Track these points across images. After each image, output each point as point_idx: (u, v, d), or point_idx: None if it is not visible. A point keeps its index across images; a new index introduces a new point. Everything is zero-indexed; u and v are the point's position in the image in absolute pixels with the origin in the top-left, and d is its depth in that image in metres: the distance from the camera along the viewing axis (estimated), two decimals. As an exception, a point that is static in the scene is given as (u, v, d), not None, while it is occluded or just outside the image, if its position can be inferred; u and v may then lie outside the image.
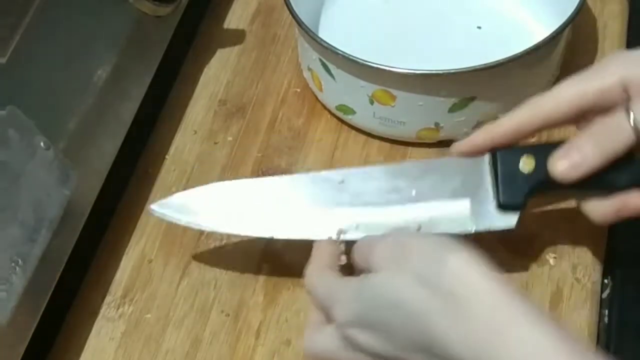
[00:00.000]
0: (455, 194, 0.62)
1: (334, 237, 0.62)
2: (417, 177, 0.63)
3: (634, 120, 0.56)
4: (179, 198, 0.67)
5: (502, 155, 0.61)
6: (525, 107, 0.60)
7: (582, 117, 0.59)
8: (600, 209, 0.61)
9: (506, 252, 0.67)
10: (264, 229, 0.64)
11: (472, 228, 0.61)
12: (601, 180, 0.59)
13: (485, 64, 0.68)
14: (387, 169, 0.64)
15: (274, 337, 0.66)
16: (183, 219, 0.66)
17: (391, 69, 0.69)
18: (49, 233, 0.61)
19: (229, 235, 0.71)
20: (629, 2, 0.82)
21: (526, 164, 0.60)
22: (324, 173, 0.65)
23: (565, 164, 0.59)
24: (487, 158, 0.62)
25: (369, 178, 0.63)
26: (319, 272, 0.59)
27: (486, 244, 0.67)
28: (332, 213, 0.63)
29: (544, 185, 0.60)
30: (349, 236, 0.62)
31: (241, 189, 0.66)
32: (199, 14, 0.85)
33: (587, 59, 0.78)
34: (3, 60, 0.59)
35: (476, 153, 0.62)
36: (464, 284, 0.50)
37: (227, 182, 0.67)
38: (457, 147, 0.63)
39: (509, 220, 0.61)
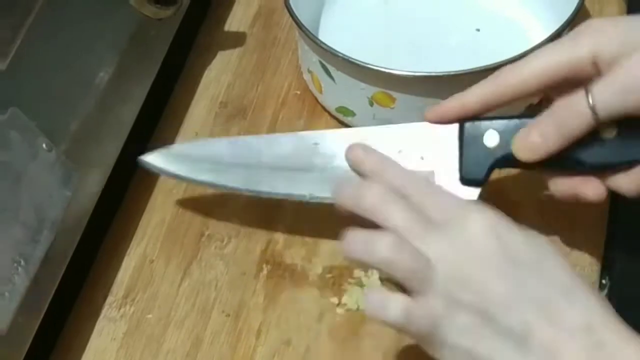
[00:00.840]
0: (422, 162, 0.63)
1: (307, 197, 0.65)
2: (388, 142, 0.63)
3: (592, 102, 0.57)
4: (165, 151, 0.69)
5: (469, 128, 0.62)
6: (494, 77, 0.61)
7: (556, 88, 0.59)
8: (560, 187, 0.62)
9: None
10: (240, 182, 0.67)
11: None
12: (565, 159, 0.59)
13: (484, 66, 0.68)
14: (359, 131, 0.65)
15: (274, 337, 0.66)
16: (168, 169, 0.68)
17: (391, 71, 0.69)
18: (51, 234, 0.61)
19: (229, 236, 0.71)
20: (627, 4, 0.82)
21: (490, 139, 0.61)
22: (301, 134, 0.68)
23: (527, 146, 0.60)
24: (455, 129, 0.62)
25: (342, 140, 0.63)
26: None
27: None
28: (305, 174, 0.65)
29: (507, 161, 0.61)
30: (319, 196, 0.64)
31: (220, 145, 0.69)
32: (199, 17, 0.85)
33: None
34: (5, 62, 0.59)
35: (446, 121, 0.62)
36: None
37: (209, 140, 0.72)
38: (427, 114, 0.63)
39: (470, 194, 0.62)
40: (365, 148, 0.61)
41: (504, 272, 0.53)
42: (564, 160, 0.60)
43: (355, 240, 0.56)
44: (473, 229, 0.54)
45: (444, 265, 0.54)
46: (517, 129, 0.61)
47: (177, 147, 0.72)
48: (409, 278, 0.54)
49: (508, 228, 0.55)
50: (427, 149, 0.63)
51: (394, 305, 0.55)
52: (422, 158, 0.63)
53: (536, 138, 0.59)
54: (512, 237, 0.55)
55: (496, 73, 0.61)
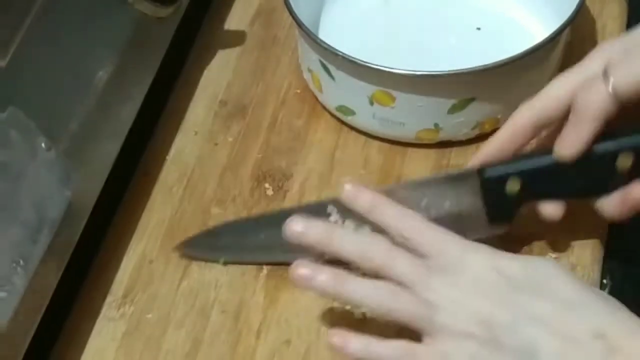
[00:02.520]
0: (451, 209, 0.64)
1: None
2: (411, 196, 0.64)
3: (612, 85, 0.58)
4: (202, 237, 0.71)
5: (489, 175, 0.63)
6: (510, 120, 0.63)
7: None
8: (607, 204, 0.63)
9: (506, 252, 0.67)
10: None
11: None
12: (587, 184, 0.63)
13: (484, 65, 0.68)
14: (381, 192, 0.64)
15: (274, 338, 0.66)
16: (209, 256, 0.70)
17: (391, 70, 0.69)
18: (51, 233, 0.61)
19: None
20: (628, 3, 0.82)
21: (512, 187, 0.63)
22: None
23: (564, 146, 0.61)
24: (477, 179, 0.64)
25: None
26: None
27: (486, 243, 0.68)
28: None
29: (531, 200, 0.64)
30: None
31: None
32: (199, 15, 0.85)
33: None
34: (4, 61, 0.59)
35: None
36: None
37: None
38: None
39: (499, 229, 0.65)
40: (358, 188, 0.62)
41: (507, 300, 0.56)
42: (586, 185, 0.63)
43: (356, 286, 0.59)
44: (473, 268, 0.58)
45: (449, 305, 0.57)
46: (538, 170, 0.63)
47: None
48: (414, 322, 0.58)
49: (504, 260, 0.59)
50: (450, 198, 0.64)
51: (394, 350, 0.58)
52: (447, 206, 0.64)
53: (571, 135, 0.61)
54: (510, 267, 0.58)
55: (512, 115, 0.64)
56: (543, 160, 0.63)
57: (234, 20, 0.85)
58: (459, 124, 0.72)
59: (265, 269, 0.69)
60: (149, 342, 0.66)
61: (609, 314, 0.55)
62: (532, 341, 0.55)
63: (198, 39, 0.84)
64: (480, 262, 0.58)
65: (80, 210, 0.65)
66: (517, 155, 0.64)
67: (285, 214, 0.63)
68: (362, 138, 0.76)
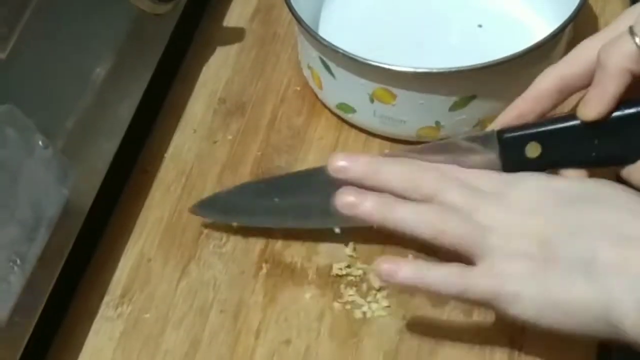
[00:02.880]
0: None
1: None
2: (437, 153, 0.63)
3: (638, 41, 0.57)
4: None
5: (508, 140, 0.62)
6: (551, 70, 0.62)
7: None
8: (635, 172, 0.61)
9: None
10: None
11: None
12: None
13: (486, 63, 0.68)
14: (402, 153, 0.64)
15: (273, 337, 0.65)
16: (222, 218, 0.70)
17: (392, 67, 0.68)
18: (48, 232, 0.60)
19: (228, 235, 0.70)
20: (630, 1, 0.81)
21: (532, 151, 0.61)
22: None
23: (592, 108, 0.60)
24: (495, 142, 0.62)
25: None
26: None
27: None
28: None
29: (552, 166, 0.62)
30: None
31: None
32: (198, 12, 0.84)
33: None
34: (2, 57, 0.58)
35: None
36: None
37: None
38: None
39: None
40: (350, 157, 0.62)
41: (562, 212, 0.56)
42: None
43: (405, 210, 0.59)
44: (527, 189, 0.58)
45: (501, 226, 0.57)
46: (559, 135, 0.61)
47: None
48: (465, 245, 0.57)
49: (561, 180, 0.59)
50: (468, 159, 0.63)
51: (448, 275, 0.57)
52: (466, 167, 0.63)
53: (596, 93, 0.59)
54: (567, 184, 0.58)
55: (537, 79, 0.62)
56: (565, 124, 0.61)
57: (233, 17, 0.85)
58: (460, 122, 0.72)
59: (264, 268, 0.69)
60: (147, 342, 0.66)
61: None
62: (591, 251, 0.54)
63: (197, 35, 0.84)
64: (534, 182, 0.58)
65: (77, 209, 0.65)
66: (539, 121, 0.62)
67: (301, 177, 0.63)
68: (363, 136, 0.75)
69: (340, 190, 0.60)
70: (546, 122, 0.62)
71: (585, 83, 0.60)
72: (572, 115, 0.61)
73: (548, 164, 0.62)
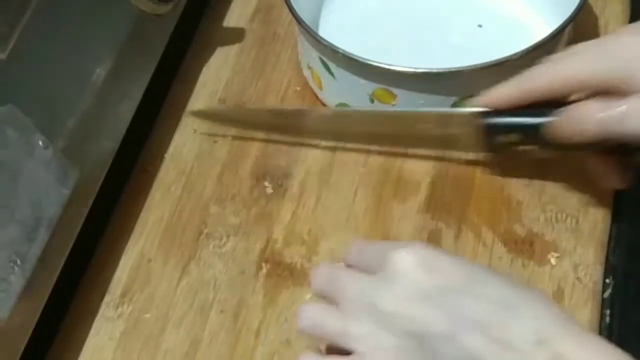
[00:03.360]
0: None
1: None
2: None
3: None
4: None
5: (491, 126, 0.65)
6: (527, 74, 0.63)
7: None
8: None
9: (507, 251, 0.67)
10: None
11: None
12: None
13: (485, 63, 0.68)
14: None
15: (273, 337, 0.65)
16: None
17: (391, 67, 0.68)
18: (48, 232, 0.60)
19: (228, 234, 0.70)
20: (631, 2, 0.81)
21: (514, 138, 0.64)
22: None
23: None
24: (480, 121, 0.65)
25: None
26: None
27: (488, 243, 0.68)
28: None
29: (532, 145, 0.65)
30: None
31: None
32: (198, 12, 0.84)
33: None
34: (2, 57, 0.58)
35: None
36: None
37: None
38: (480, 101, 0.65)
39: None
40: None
41: (439, 303, 0.52)
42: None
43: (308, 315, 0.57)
44: (400, 263, 0.54)
45: (388, 304, 0.54)
46: (540, 125, 0.63)
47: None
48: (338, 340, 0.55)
49: (434, 256, 0.54)
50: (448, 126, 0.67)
51: None
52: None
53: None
54: (440, 264, 0.54)
55: (531, 71, 0.63)
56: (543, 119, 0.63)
57: (233, 17, 0.85)
58: (460, 122, 0.72)
59: (264, 267, 0.69)
60: (147, 342, 0.66)
61: (549, 316, 0.51)
62: (475, 352, 0.51)
63: (197, 36, 0.84)
64: (407, 259, 0.54)
65: (77, 209, 0.65)
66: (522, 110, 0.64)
67: None
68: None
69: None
70: (529, 113, 0.64)
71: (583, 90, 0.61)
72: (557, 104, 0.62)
73: (529, 144, 0.65)
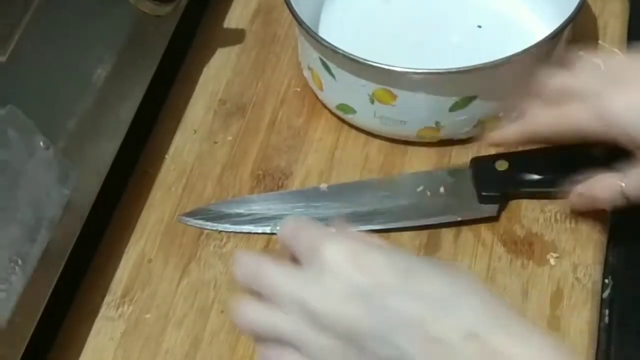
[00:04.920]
0: (443, 194, 0.70)
1: None
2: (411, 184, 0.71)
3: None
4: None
5: (480, 160, 0.70)
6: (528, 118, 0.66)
7: None
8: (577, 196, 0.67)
9: (506, 252, 0.67)
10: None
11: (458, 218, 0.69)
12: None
13: (485, 63, 0.68)
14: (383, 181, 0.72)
15: (274, 337, 0.65)
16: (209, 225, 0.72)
17: (392, 68, 0.68)
18: (49, 233, 0.60)
19: (228, 235, 0.71)
20: (630, 2, 0.81)
21: (500, 166, 0.69)
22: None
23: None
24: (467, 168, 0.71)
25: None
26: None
27: (488, 243, 0.68)
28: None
29: (517, 182, 0.69)
30: None
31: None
32: (198, 14, 0.85)
33: (587, 58, 0.78)
34: (2, 59, 0.58)
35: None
36: None
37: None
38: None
39: (491, 211, 0.69)
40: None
41: (367, 301, 0.50)
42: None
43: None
44: (329, 259, 0.52)
45: (317, 303, 0.52)
46: (525, 159, 0.69)
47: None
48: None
49: (366, 252, 0.52)
50: (445, 185, 0.70)
51: None
52: (443, 191, 0.70)
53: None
54: (371, 260, 0.52)
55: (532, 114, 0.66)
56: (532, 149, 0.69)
57: (234, 19, 0.85)
58: (461, 122, 0.72)
59: (265, 268, 0.69)
60: (147, 342, 0.66)
61: (484, 309, 0.49)
62: (399, 350, 0.49)
63: (197, 37, 0.84)
64: (336, 252, 0.52)
65: (78, 209, 0.65)
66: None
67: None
68: (363, 136, 0.75)
69: None
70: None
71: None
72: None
73: (515, 182, 0.69)
